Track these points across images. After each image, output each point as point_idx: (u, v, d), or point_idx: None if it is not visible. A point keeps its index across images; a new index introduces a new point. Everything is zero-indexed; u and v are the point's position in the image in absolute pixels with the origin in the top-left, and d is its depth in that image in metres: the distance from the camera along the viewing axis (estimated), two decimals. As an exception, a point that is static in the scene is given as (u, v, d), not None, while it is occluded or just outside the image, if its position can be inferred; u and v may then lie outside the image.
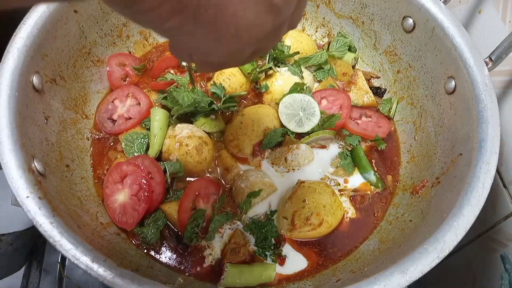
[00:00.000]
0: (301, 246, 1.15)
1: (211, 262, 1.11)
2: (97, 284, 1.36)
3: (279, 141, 1.27)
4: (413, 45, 1.29)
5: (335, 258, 1.14)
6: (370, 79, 1.48)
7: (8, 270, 1.33)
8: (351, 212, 1.21)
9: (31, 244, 1.43)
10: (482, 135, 0.97)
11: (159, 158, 1.22)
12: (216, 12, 0.50)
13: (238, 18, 0.51)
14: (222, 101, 1.30)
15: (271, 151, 1.27)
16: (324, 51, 1.46)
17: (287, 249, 1.14)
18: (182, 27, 0.51)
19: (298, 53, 1.42)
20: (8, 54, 1.00)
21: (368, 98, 1.40)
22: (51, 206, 0.84)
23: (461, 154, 1.03)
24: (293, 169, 1.26)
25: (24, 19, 1.07)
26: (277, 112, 1.31)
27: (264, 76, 1.40)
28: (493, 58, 1.06)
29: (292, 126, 1.29)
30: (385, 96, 1.44)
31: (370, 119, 1.37)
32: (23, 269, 1.44)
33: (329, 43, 1.53)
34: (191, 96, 1.27)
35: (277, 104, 1.33)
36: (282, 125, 1.30)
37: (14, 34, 1.04)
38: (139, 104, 1.31)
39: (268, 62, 1.38)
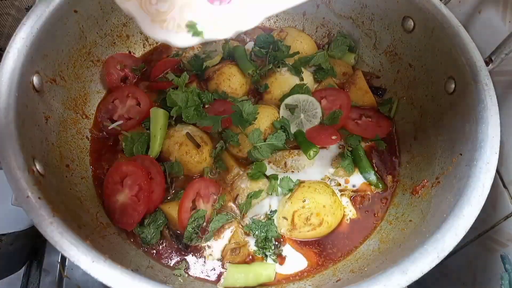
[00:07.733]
0: (301, 246, 1.15)
1: (211, 262, 1.11)
2: (97, 284, 1.35)
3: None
4: (413, 45, 1.29)
5: (335, 258, 1.14)
6: (370, 79, 1.48)
7: (8, 270, 1.33)
8: (351, 213, 1.21)
9: (31, 244, 1.43)
10: (482, 135, 0.97)
11: (159, 158, 1.22)
12: None
13: None
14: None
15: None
16: (324, 51, 1.46)
17: (287, 249, 1.14)
18: None
19: (298, 53, 1.42)
20: (8, 54, 1.00)
21: (368, 98, 1.40)
22: (51, 206, 0.84)
23: (461, 154, 1.03)
24: (292, 171, 1.26)
25: (24, 19, 1.06)
26: (277, 112, 1.31)
27: (264, 76, 1.39)
28: (493, 58, 1.05)
29: (292, 129, 1.29)
30: (385, 96, 1.44)
31: (370, 119, 1.37)
32: (23, 269, 1.44)
33: (329, 43, 1.52)
34: (189, 96, 1.27)
35: (278, 103, 1.33)
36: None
37: (14, 34, 1.03)
38: (139, 104, 1.31)
39: (268, 63, 1.38)
